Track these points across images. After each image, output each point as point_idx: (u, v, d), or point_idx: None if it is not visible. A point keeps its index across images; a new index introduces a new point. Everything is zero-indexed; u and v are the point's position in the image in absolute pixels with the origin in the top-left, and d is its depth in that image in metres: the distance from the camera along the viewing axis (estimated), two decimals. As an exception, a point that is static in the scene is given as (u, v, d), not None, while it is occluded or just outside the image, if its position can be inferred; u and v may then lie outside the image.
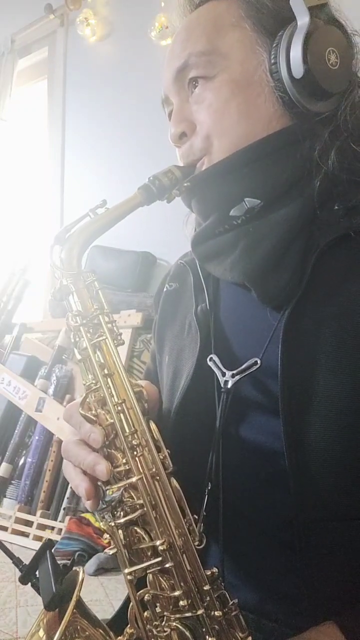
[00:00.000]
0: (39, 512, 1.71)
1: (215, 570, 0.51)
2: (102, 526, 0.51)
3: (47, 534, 1.66)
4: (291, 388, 0.53)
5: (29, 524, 1.71)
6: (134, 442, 0.50)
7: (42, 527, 1.69)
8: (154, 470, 0.51)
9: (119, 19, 2.40)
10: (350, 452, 0.51)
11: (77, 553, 1.51)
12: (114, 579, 1.38)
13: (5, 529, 1.73)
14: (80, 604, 0.49)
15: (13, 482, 1.85)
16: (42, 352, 2.05)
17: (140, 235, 2.01)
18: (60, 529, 1.63)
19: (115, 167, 2.34)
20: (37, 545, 1.62)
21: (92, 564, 1.45)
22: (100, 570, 1.42)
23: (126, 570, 0.49)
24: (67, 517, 1.63)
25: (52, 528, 1.67)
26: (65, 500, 1.69)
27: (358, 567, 0.52)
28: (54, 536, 1.63)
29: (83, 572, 0.51)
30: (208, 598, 0.49)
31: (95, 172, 2.44)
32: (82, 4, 2.48)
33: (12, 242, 2.80)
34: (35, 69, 2.85)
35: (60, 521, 1.66)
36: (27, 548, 1.63)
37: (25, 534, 1.69)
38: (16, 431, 1.91)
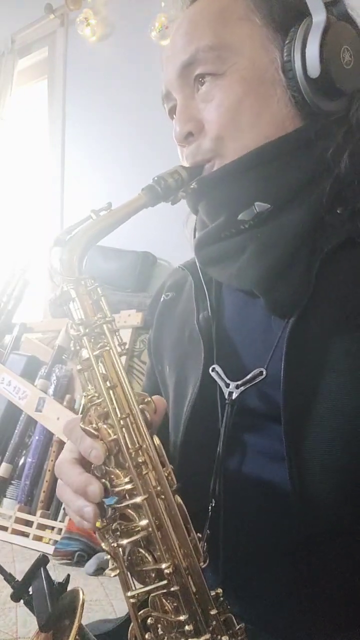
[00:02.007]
0: (39, 512, 1.71)
1: (220, 591, 0.49)
2: (103, 547, 0.48)
3: (47, 534, 1.66)
4: (294, 398, 0.52)
5: (29, 524, 1.71)
6: (139, 460, 0.47)
7: (42, 527, 1.68)
8: (159, 488, 0.48)
9: (119, 19, 2.39)
10: (354, 465, 0.50)
11: (77, 553, 1.51)
12: (114, 579, 1.37)
13: (5, 529, 1.73)
14: (81, 630, 0.47)
15: (13, 482, 1.85)
16: (42, 352, 2.05)
17: (140, 235, 2.00)
18: (60, 529, 1.63)
19: (116, 167, 2.34)
20: (37, 545, 1.62)
21: (92, 564, 1.45)
22: (100, 570, 1.42)
23: (129, 594, 0.46)
24: (67, 517, 1.63)
25: (52, 528, 1.67)
26: (66, 500, 1.69)
27: None
28: (54, 536, 1.63)
29: (83, 593, 0.49)
30: (214, 622, 0.47)
31: (96, 172, 2.44)
32: (82, 4, 2.48)
33: (12, 242, 2.80)
34: (35, 69, 2.85)
35: (60, 521, 1.66)
36: (27, 548, 1.63)
37: (25, 534, 1.69)
38: (16, 431, 1.91)
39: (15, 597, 0.51)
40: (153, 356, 0.75)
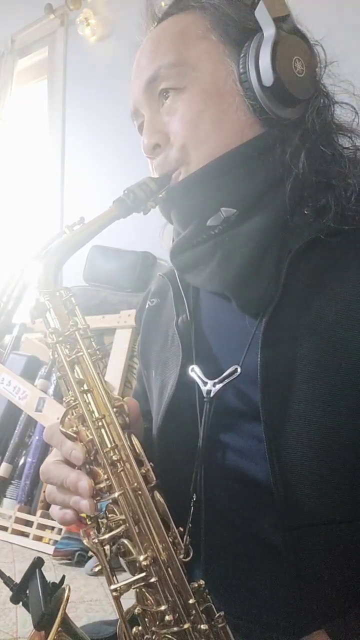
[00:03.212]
0: (39, 512, 1.71)
1: (202, 582, 0.51)
2: (85, 543, 0.51)
3: (47, 534, 1.66)
4: (271, 394, 0.54)
5: (29, 524, 1.72)
6: (114, 458, 0.50)
7: (42, 527, 1.69)
8: (135, 485, 0.51)
9: (119, 19, 2.39)
10: (332, 456, 0.52)
11: (77, 553, 1.52)
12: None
13: (5, 529, 1.73)
14: (66, 622, 0.50)
15: (13, 482, 1.85)
16: (42, 352, 2.05)
17: (140, 235, 2.00)
18: (60, 529, 1.63)
19: (116, 167, 2.34)
20: (37, 545, 1.62)
21: (91, 564, 1.45)
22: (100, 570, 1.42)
23: (111, 587, 0.49)
24: (67, 517, 1.62)
25: (52, 528, 1.67)
26: (65, 500, 1.69)
27: (347, 570, 0.53)
28: (54, 536, 1.63)
29: (69, 590, 0.51)
30: (194, 612, 0.49)
31: (96, 172, 2.44)
32: (82, 4, 2.47)
33: (12, 243, 2.80)
34: (35, 69, 2.85)
35: (60, 521, 1.66)
36: (27, 548, 1.63)
37: (25, 534, 1.69)
38: (16, 431, 1.91)
39: (14, 600, 0.54)
40: (141, 362, 0.77)
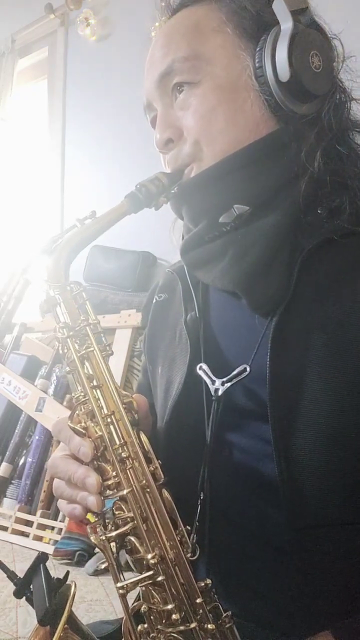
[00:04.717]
0: (39, 512, 1.71)
1: (208, 581, 0.50)
2: (92, 540, 0.50)
3: (47, 534, 1.66)
4: (280, 394, 0.53)
5: (29, 524, 1.71)
6: (124, 455, 0.50)
7: (42, 527, 1.68)
8: (144, 482, 0.50)
9: (119, 19, 2.40)
10: (339, 458, 0.52)
11: (77, 553, 1.51)
12: (114, 579, 1.37)
13: (5, 529, 1.73)
14: (72, 619, 0.49)
15: (13, 482, 1.85)
16: (42, 352, 2.04)
17: (140, 235, 2.01)
18: (60, 529, 1.63)
19: (116, 166, 2.34)
20: (37, 545, 1.62)
21: (92, 563, 1.45)
22: (101, 570, 1.42)
23: (118, 585, 0.48)
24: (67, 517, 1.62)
25: (52, 528, 1.67)
26: (66, 500, 1.68)
27: (353, 571, 0.52)
28: (54, 536, 1.63)
29: (75, 586, 0.51)
30: (201, 611, 0.49)
31: (96, 172, 2.44)
32: (82, 4, 2.48)
33: (12, 242, 2.80)
34: (35, 68, 2.85)
35: (60, 521, 1.66)
36: (27, 548, 1.63)
37: (25, 534, 1.69)
38: (16, 431, 1.91)
39: (17, 594, 0.53)
40: (146, 356, 0.76)
